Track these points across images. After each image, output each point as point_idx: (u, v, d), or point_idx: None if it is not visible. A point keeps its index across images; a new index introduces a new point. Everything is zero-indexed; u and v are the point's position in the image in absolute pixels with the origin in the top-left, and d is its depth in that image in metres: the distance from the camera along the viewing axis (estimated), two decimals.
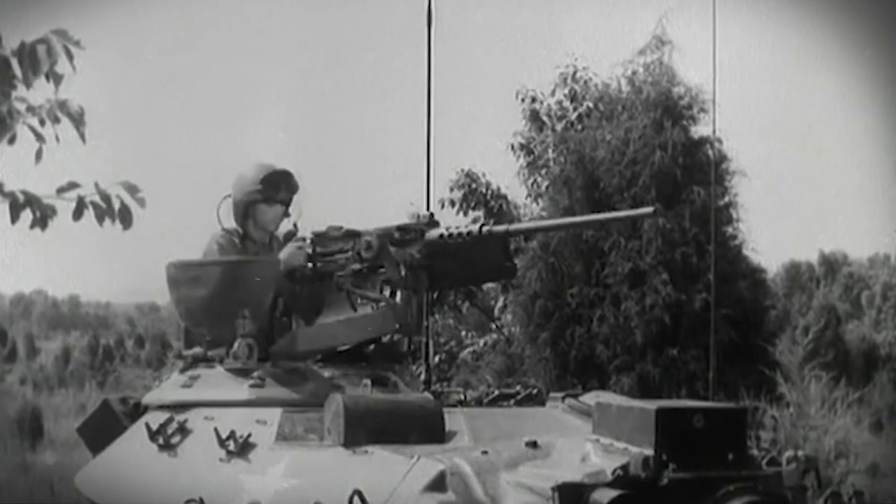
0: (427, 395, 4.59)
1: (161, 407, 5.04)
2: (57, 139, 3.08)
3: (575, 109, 13.69)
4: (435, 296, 11.28)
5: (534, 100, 13.96)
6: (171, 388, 5.13)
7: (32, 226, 3.10)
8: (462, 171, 13.82)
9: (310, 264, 5.02)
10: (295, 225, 5.39)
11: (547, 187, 13.03)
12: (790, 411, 10.75)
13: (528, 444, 3.77)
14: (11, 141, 3.09)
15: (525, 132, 13.94)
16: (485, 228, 4.69)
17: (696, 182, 11.51)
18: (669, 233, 11.39)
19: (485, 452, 3.72)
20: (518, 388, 5.00)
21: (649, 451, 3.35)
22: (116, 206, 3.10)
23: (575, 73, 13.83)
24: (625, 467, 3.35)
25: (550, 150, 13.44)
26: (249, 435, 4.45)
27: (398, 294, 4.94)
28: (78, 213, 3.10)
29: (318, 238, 5.06)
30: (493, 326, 14.22)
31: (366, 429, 4.12)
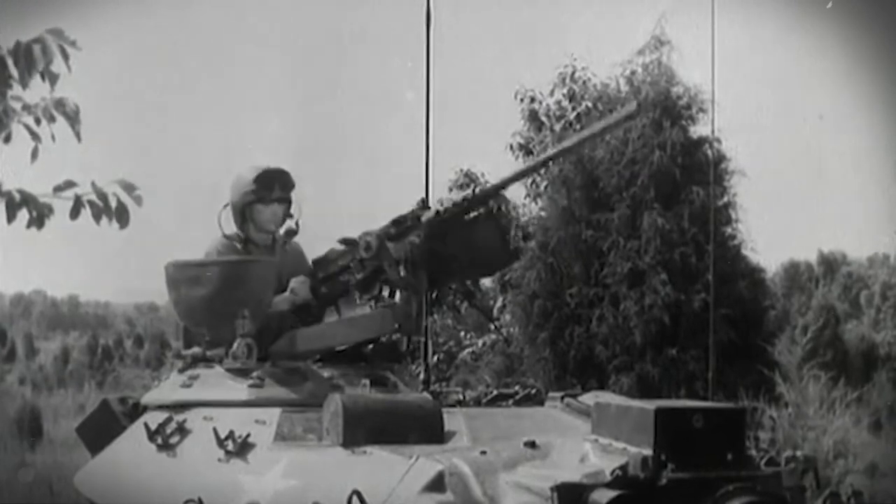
0: (426, 395, 4.59)
1: (160, 407, 5.04)
2: (53, 138, 3.08)
3: (574, 109, 13.69)
4: (434, 296, 11.27)
5: (533, 100, 13.96)
6: (170, 387, 5.12)
7: (29, 225, 3.10)
8: (461, 171, 13.83)
9: (322, 290, 5.03)
10: (297, 223, 5.38)
11: (546, 187, 13.03)
12: (789, 411, 10.75)
13: (526, 444, 3.76)
14: (7, 140, 3.09)
15: (524, 132, 13.95)
16: (477, 189, 4.72)
17: (695, 182, 11.52)
18: (668, 233, 11.39)
19: (483, 452, 3.72)
20: (517, 388, 4.99)
21: (648, 452, 3.35)
22: (113, 204, 3.09)
23: (574, 73, 13.84)
24: (623, 467, 3.35)
25: (549, 150, 13.42)
26: (248, 435, 4.45)
27: (398, 294, 4.94)
28: (75, 212, 3.10)
29: (319, 264, 5.06)
30: (492, 326, 14.22)
31: (364, 429, 4.11)
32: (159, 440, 4.82)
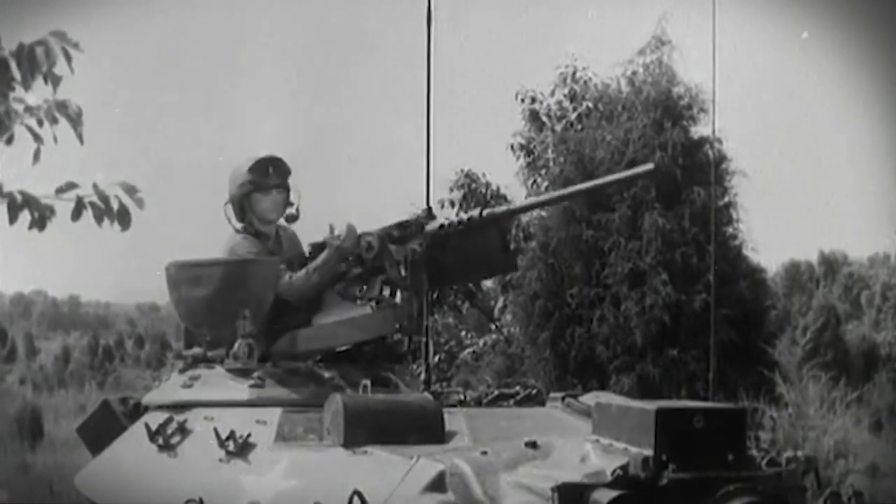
0: (427, 395, 4.59)
1: (161, 407, 5.04)
2: (55, 140, 3.08)
3: (575, 109, 13.69)
4: (435, 296, 11.29)
5: (533, 100, 13.95)
6: (170, 388, 5.13)
7: (31, 226, 3.10)
8: (462, 171, 13.83)
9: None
10: (297, 209, 5.37)
11: (547, 187, 13.02)
12: (789, 412, 10.75)
13: (527, 444, 3.77)
14: (9, 141, 3.09)
15: (525, 132, 13.94)
16: (485, 211, 4.73)
17: (696, 182, 11.52)
18: (669, 233, 11.39)
19: (484, 453, 3.72)
20: (518, 388, 5.00)
21: (649, 452, 3.35)
22: (115, 206, 3.09)
23: (574, 73, 13.82)
24: (624, 468, 3.35)
25: (550, 151, 13.43)
26: (249, 435, 4.45)
27: (398, 294, 4.95)
28: (76, 214, 3.10)
29: (317, 249, 5.06)
30: (493, 327, 14.23)
31: (365, 429, 4.12)
32: (160, 440, 4.82)
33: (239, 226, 5.30)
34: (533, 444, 3.76)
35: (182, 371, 5.15)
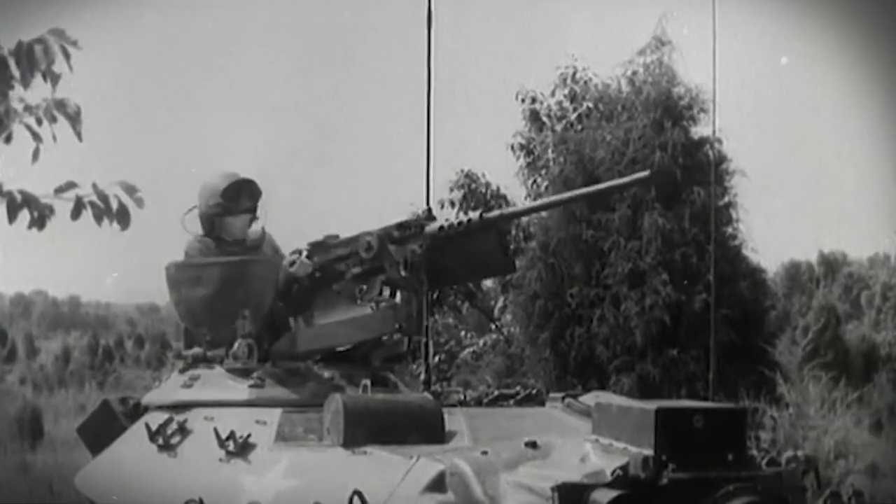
0: (427, 395, 4.59)
1: (161, 407, 5.04)
2: (54, 138, 3.08)
3: (575, 110, 13.68)
4: (435, 296, 11.29)
5: (534, 100, 13.95)
6: (170, 388, 5.12)
7: (30, 226, 3.10)
8: (462, 171, 13.82)
9: (316, 274, 5.01)
10: (263, 229, 5.37)
11: (547, 187, 13.02)
12: (789, 412, 10.74)
13: (527, 444, 3.76)
14: (8, 140, 3.09)
15: (525, 132, 13.93)
16: (484, 215, 4.73)
17: (696, 182, 11.51)
18: (669, 233, 11.39)
19: (484, 453, 3.72)
20: (518, 388, 5.00)
21: (649, 452, 3.35)
22: (115, 206, 3.09)
23: (575, 73, 13.82)
24: (624, 467, 3.35)
25: (550, 151, 13.43)
26: (249, 435, 4.45)
27: (398, 294, 4.94)
28: (76, 213, 3.10)
29: (315, 248, 5.06)
30: (493, 326, 14.22)
31: (365, 429, 4.12)
32: (160, 440, 4.82)
33: (200, 234, 5.29)
34: (533, 444, 3.76)
35: (182, 371, 5.15)
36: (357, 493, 3.66)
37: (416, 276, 4.84)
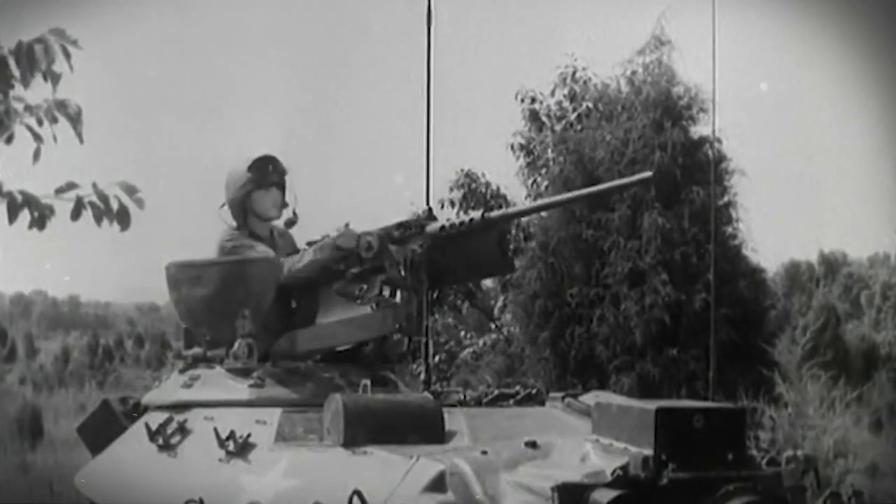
0: (426, 394, 4.59)
1: (161, 407, 5.04)
2: (55, 139, 3.08)
3: (574, 110, 13.69)
4: (435, 296, 11.28)
5: (533, 100, 13.95)
6: (170, 388, 5.13)
7: (31, 226, 3.10)
8: (461, 171, 13.82)
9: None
10: (294, 212, 5.39)
11: (546, 187, 13.02)
12: (789, 411, 10.74)
13: (527, 444, 3.76)
14: (9, 140, 3.09)
15: (524, 132, 13.94)
16: (486, 214, 4.73)
17: (696, 182, 11.51)
18: (669, 233, 11.38)
19: (484, 452, 3.72)
20: (518, 387, 5.00)
21: (649, 452, 3.35)
22: (115, 206, 3.09)
23: (574, 73, 13.82)
24: (624, 467, 3.35)
25: (550, 151, 13.43)
26: (249, 435, 4.45)
27: (398, 294, 4.94)
28: (76, 214, 3.10)
29: (313, 248, 5.06)
30: (493, 326, 14.22)
31: (365, 429, 4.12)
32: (160, 440, 4.82)
33: (234, 225, 5.32)
34: (533, 444, 3.76)
35: (182, 371, 5.15)
36: (357, 493, 3.66)
37: (417, 276, 4.84)
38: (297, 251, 5.27)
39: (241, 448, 4.44)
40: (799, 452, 3.81)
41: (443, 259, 4.85)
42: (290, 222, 5.39)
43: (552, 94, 13.94)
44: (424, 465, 3.74)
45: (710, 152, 11.70)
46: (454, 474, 3.63)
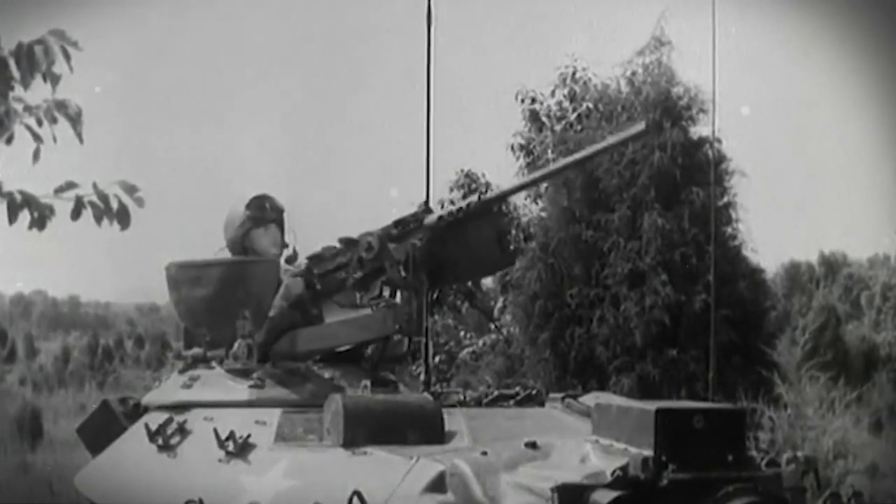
0: (426, 395, 4.59)
1: (161, 407, 5.04)
2: (54, 139, 3.08)
3: (574, 110, 13.68)
4: (435, 296, 11.28)
5: (533, 100, 13.95)
6: (170, 388, 5.13)
7: (31, 226, 3.10)
8: (461, 171, 13.83)
9: (317, 286, 5.01)
10: (294, 250, 5.39)
11: (546, 188, 13.02)
12: (788, 412, 10.74)
13: (527, 444, 3.77)
14: (9, 141, 3.10)
15: (524, 132, 13.94)
16: (482, 196, 4.73)
17: (696, 182, 11.50)
18: (669, 233, 11.38)
19: (484, 453, 3.72)
20: (517, 388, 4.99)
21: (649, 452, 3.35)
22: (115, 206, 3.09)
23: (574, 73, 13.82)
24: (624, 468, 3.35)
25: (550, 151, 13.43)
26: (249, 436, 4.45)
27: (398, 294, 4.94)
28: (76, 214, 3.10)
29: (314, 260, 5.06)
30: (493, 327, 14.22)
31: (365, 429, 4.12)
32: (160, 441, 4.82)
33: None
34: (533, 445, 3.76)
35: (182, 371, 5.15)
36: (357, 493, 3.66)
37: (417, 275, 4.84)
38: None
39: (240, 448, 4.44)
40: (799, 453, 3.82)
41: (442, 252, 4.84)
42: (291, 259, 5.38)
43: (552, 94, 13.94)
44: (424, 465, 3.74)
45: (709, 152, 11.69)
46: (454, 475, 3.63)
